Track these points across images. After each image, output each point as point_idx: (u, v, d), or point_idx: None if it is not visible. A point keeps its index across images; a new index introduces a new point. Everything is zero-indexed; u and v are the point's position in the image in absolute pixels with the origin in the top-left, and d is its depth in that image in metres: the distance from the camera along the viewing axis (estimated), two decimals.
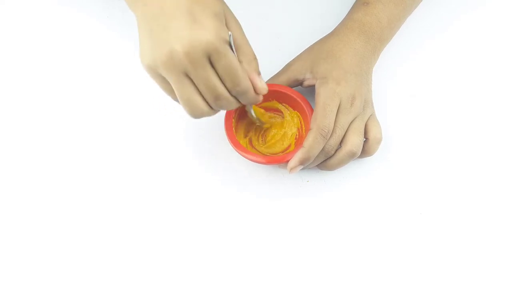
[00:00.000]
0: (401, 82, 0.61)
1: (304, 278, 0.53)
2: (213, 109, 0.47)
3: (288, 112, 0.57)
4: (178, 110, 0.59)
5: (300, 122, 0.56)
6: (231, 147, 0.54)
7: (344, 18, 0.59)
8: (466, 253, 0.54)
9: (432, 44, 0.63)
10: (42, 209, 0.55)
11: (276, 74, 0.56)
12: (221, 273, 0.53)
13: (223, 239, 0.54)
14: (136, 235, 0.54)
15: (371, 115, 0.54)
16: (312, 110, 0.54)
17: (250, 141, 0.57)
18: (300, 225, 0.55)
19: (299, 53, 0.58)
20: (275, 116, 0.58)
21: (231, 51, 0.44)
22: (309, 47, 0.57)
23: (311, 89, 0.59)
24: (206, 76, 0.43)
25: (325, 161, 0.53)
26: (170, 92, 0.46)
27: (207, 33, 0.41)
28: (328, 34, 0.58)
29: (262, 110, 0.55)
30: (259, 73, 0.47)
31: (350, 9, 0.59)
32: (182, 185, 0.56)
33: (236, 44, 0.45)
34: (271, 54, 0.61)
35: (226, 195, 0.56)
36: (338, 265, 0.53)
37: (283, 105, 0.57)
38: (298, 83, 0.56)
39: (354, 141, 0.51)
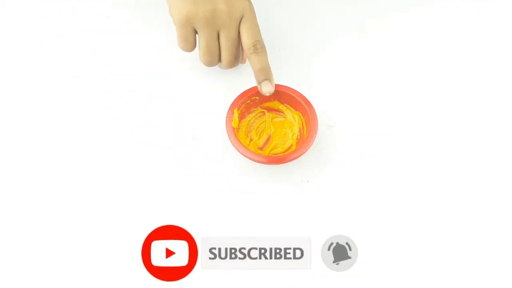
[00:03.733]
0: (399, 80, 0.61)
1: (304, 278, 0.53)
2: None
3: (290, 112, 0.57)
4: (178, 109, 0.60)
5: (302, 123, 0.56)
6: (233, 146, 0.54)
7: None
8: (464, 254, 0.54)
9: (429, 43, 0.63)
10: (42, 210, 0.55)
11: None
12: (221, 273, 0.53)
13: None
14: (137, 235, 0.54)
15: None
16: (313, 110, 0.54)
17: (252, 141, 0.57)
18: (300, 225, 0.55)
19: (298, 53, 0.58)
20: (277, 116, 0.58)
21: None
22: None
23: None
24: (236, 35, 0.55)
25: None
26: (189, 43, 0.56)
27: None
28: None
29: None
30: None
31: None
32: (182, 184, 0.56)
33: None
34: (271, 54, 0.61)
35: (227, 194, 0.56)
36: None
37: (284, 106, 0.57)
38: None
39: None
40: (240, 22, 0.55)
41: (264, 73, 0.55)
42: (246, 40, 0.55)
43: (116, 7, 0.65)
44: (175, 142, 0.58)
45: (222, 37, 0.55)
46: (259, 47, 0.55)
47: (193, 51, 0.58)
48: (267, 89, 0.55)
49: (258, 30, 0.56)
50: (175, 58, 0.62)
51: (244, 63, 0.60)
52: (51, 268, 0.53)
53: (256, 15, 0.56)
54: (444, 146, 0.58)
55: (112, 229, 0.54)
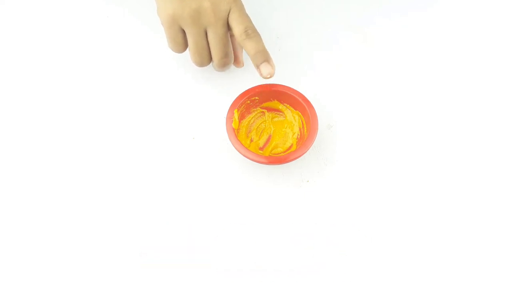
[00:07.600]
0: (399, 82, 0.62)
1: (304, 278, 0.53)
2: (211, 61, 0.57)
3: (290, 112, 0.57)
4: (178, 109, 0.60)
5: (302, 122, 0.56)
6: (233, 147, 0.54)
7: None
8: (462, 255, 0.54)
9: (429, 43, 0.63)
10: (42, 210, 0.55)
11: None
12: (221, 273, 0.53)
13: (223, 239, 0.54)
14: (136, 235, 0.54)
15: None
16: (313, 109, 0.54)
17: (252, 141, 0.57)
18: (300, 225, 0.55)
19: (298, 54, 0.58)
20: (277, 116, 0.58)
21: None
22: None
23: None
24: (223, 32, 0.54)
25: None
26: (178, 43, 0.55)
27: None
28: None
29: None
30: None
31: None
32: (183, 184, 0.56)
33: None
34: (271, 54, 0.61)
35: (227, 194, 0.56)
36: (337, 265, 0.54)
37: (284, 105, 0.57)
38: None
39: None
40: (228, 18, 0.54)
41: (261, 55, 0.52)
42: (236, 28, 0.53)
43: (116, 7, 0.65)
44: (175, 143, 0.58)
45: (210, 34, 0.54)
46: (250, 31, 0.53)
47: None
48: (267, 70, 0.51)
49: (248, 18, 0.54)
50: (176, 58, 0.62)
51: (243, 66, 0.60)
52: (51, 268, 0.53)
53: (246, 8, 0.55)
54: (444, 146, 0.58)
55: (112, 229, 0.54)
